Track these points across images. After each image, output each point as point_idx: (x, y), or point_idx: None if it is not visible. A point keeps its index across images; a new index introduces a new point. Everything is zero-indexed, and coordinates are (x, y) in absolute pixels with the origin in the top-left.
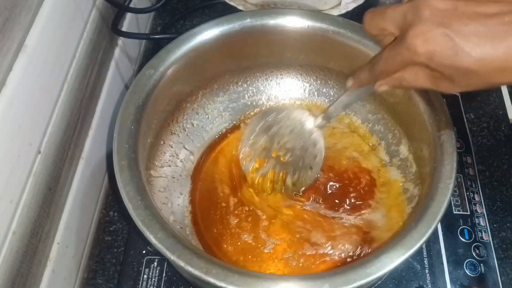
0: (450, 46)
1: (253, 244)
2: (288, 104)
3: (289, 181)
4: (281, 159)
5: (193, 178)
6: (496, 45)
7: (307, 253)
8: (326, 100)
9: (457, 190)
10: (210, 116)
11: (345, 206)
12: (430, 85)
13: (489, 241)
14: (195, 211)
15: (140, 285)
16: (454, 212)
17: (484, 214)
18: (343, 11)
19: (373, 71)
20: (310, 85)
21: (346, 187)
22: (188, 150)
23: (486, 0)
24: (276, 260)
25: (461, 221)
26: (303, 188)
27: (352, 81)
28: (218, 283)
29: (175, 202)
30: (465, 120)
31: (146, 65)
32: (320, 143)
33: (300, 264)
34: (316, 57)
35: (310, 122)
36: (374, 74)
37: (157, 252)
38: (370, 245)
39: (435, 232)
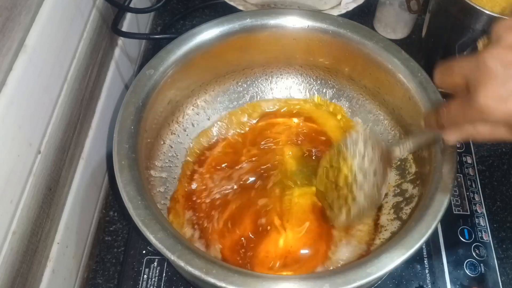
0: None
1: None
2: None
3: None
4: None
5: (191, 178)
6: None
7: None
8: (326, 100)
9: (457, 190)
10: (210, 116)
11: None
12: (510, 137)
13: (489, 241)
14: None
15: (140, 285)
16: (454, 212)
17: (484, 214)
18: (343, 11)
19: (441, 119)
20: (310, 85)
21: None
22: (188, 150)
23: None
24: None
25: (461, 221)
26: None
27: (424, 123)
28: (218, 283)
29: None
30: None
31: (146, 65)
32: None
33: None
34: (316, 57)
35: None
36: (441, 124)
37: (157, 252)
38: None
39: (435, 232)
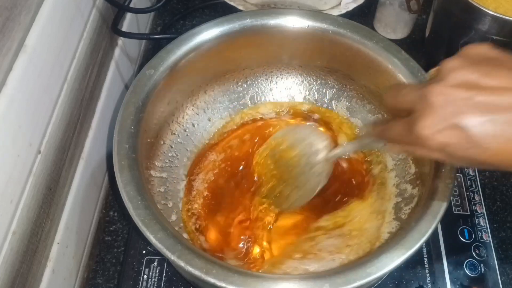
0: (464, 139)
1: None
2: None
3: (277, 193)
4: (284, 172)
5: (191, 177)
6: None
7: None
8: (326, 100)
9: (457, 190)
10: (210, 116)
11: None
12: (445, 160)
13: (489, 241)
14: (192, 210)
15: (140, 285)
16: (454, 212)
17: (484, 214)
18: (343, 11)
19: (384, 135)
20: (310, 85)
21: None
22: (188, 150)
23: (503, 89)
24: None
25: (461, 221)
26: (281, 207)
27: (367, 131)
28: (218, 283)
29: (175, 202)
30: None
31: (146, 65)
32: (321, 176)
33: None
34: (316, 57)
35: (322, 153)
36: (385, 138)
37: (157, 252)
38: None
39: (435, 232)
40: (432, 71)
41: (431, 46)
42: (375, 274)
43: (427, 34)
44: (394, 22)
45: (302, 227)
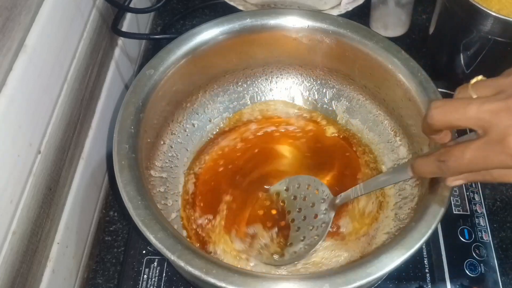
0: None
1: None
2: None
3: (282, 247)
4: (289, 221)
5: (190, 177)
6: None
7: None
8: (326, 100)
9: (457, 190)
10: (210, 116)
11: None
12: None
13: (489, 241)
14: (189, 209)
15: (140, 285)
16: (454, 212)
17: (484, 214)
18: (343, 11)
19: (446, 167)
20: (310, 85)
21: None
22: (188, 150)
23: None
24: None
25: (461, 221)
26: (285, 259)
27: (412, 170)
28: (218, 283)
29: (175, 201)
30: None
31: (146, 65)
32: (327, 225)
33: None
34: (315, 57)
35: (329, 200)
36: (446, 170)
37: (157, 252)
38: None
39: (435, 232)
40: (476, 78)
41: (433, 45)
42: (375, 274)
43: (431, 32)
44: (389, 21)
45: None
